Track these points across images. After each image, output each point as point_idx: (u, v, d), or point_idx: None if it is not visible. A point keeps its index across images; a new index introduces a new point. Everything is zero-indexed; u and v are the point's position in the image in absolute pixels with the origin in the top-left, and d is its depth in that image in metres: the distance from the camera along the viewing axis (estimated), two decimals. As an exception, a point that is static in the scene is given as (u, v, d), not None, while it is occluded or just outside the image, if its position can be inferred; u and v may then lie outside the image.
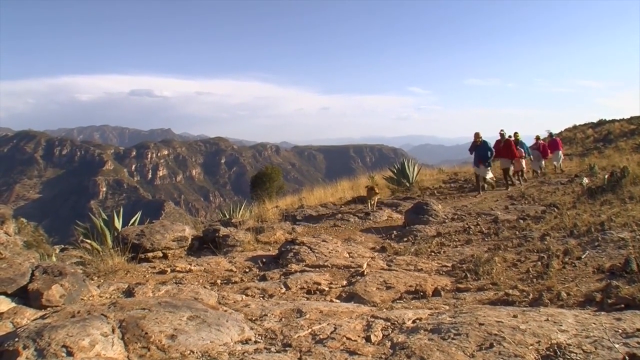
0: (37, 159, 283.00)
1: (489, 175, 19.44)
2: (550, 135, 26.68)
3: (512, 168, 20.46)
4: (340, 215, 14.36)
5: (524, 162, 21.70)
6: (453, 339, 3.46)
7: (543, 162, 24.47)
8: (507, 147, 19.99)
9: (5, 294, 5.19)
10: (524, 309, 4.28)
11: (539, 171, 24.19)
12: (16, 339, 3.56)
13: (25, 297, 5.25)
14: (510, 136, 21.34)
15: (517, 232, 9.47)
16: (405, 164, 21.74)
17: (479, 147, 18.97)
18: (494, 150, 19.28)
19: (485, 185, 19.38)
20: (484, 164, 18.81)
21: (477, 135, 19.27)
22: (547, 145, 24.75)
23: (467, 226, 10.76)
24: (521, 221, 10.47)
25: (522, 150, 21.78)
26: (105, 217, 12.02)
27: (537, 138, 24.90)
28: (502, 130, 20.56)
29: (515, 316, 3.83)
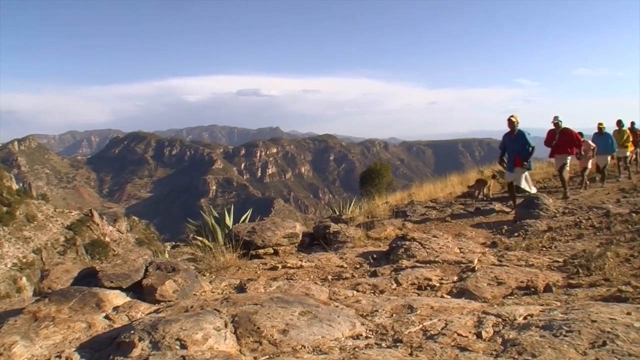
0: (147, 159, 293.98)
1: (526, 184, 13.92)
2: None
3: (567, 167, 15.69)
4: (450, 210, 14.29)
5: (609, 158, 18.13)
6: (565, 336, 3.45)
7: None
8: (566, 138, 15.40)
9: (121, 288, 5.48)
10: (638, 306, 4.19)
11: None
12: (132, 332, 3.81)
13: (139, 291, 5.52)
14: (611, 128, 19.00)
15: (630, 226, 9.18)
16: (515, 157, 21.31)
17: (513, 139, 13.63)
18: (532, 145, 13.57)
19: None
20: (521, 164, 13.54)
21: (512, 119, 13.69)
22: None
23: (578, 220, 10.49)
24: (634, 215, 10.13)
25: (591, 143, 17.83)
26: (216, 215, 12.34)
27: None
28: (555, 119, 15.74)
29: (628, 313, 3.77)
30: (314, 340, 3.86)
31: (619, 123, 20.35)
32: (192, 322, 3.87)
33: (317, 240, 10.55)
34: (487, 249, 8.94)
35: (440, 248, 8.62)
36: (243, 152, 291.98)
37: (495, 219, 12.48)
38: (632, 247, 7.50)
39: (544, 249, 8.63)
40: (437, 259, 7.89)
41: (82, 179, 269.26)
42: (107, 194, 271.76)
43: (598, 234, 9.26)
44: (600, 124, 19.15)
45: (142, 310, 5.00)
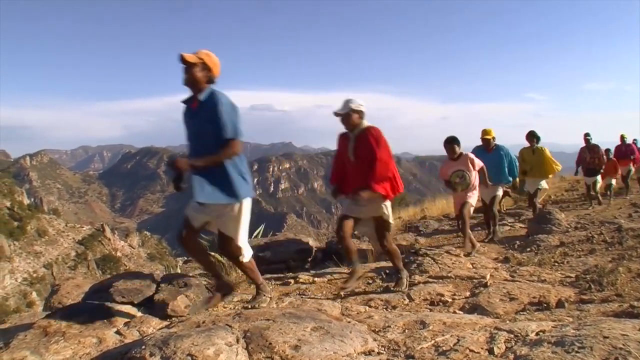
0: (159, 174, 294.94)
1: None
2: None
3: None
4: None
5: (500, 190, 11.77)
6: (577, 352, 3.42)
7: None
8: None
9: (132, 303, 5.50)
10: (650, 322, 4.18)
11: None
12: (143, 347, 3.76)
13: (150, 307, 5.54)
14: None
15: (642, 241, 9.16)
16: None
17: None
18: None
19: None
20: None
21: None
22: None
23: (590, 235, 10.45)
24: (646, 229, 10.11)
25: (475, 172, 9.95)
26: (229, 230, 12.31)
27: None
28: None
29: (641, 329, 3.76)
30: (325, 356, 3.82)
31: (530, 136, 13.80)
32: (204, 338, 3.83)
33: (329, 255, 10.54)
34: (499, 265, 8.91)
35: (453, 263, 8.58)
36: (256, 167, 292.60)
37: (507, 234, 12.44)
38: (644, 263, 7.46)
39: (556, 264, 8.60)
40: (449, 275, 7.86)
41: (94, 194, 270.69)
42: (119, 209, 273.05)
43: (610, 249, 9.22)
44: (486, 131, 11.63)
45: (154, 326, 5.00)
